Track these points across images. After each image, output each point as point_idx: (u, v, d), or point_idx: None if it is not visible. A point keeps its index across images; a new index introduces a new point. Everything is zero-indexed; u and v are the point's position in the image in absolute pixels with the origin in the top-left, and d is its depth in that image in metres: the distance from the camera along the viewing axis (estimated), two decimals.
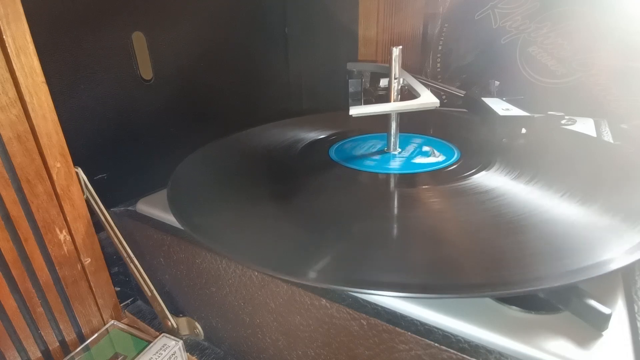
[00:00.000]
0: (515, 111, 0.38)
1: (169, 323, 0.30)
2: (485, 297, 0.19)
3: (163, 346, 0.27)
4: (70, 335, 0.30)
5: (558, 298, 0.18)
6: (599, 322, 0.17)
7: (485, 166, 0.30)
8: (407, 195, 0.28)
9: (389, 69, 0.33)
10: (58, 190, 0.27)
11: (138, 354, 0.27)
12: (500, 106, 0.39)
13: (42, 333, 0.28)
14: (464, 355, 0.17)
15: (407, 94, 0.33)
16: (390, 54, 0.32)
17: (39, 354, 0.28)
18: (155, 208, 0.31)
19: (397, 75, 0.33)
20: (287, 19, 0.62)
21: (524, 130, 0.37)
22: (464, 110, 0.48)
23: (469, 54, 0.59)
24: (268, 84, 0.63)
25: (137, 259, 0.30)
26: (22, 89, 0.24)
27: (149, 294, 0.30)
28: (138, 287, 0.31)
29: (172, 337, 0.28)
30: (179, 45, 0.47)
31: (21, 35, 0.24)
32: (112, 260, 0.34)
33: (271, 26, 0.61)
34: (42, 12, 0.35)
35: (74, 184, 0.28)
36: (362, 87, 0.55)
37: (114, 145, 0.43)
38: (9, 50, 0.23)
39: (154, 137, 0.47)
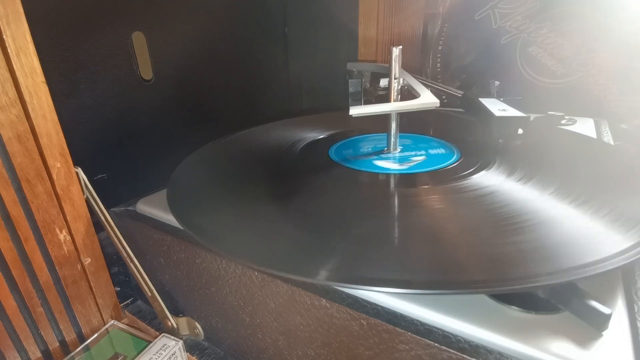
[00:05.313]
0: (511, 112, 0.38)
1: (169, 323, 0.30)
2: (485, 295, 0.19)
3: (163, 346, 0.27)
4: (70, 335, 0.30)
5: (558, 298, 0.18)
6: (599, 322, 0.17)
7: (484, 166, 0.30)
8: (407, 194, 0.28)
9: (389, 69, 0.33)
10: (58, 190, 0.27)
11: (138, 354, 0.27)
12: (497, 107, 0.39)
13: (42, 333, 0.28)
14: (464, 355, 0.17)
15: (407, 94, 0.33)
16: (390, 54, 0.32)
17: (39, 354, 0.28)
18: (155, 208, 0.31)
19: (397, 75, 0.33)
20: (287, 19, 0.62)
21: (520, 131, 0.37)
22: (462, 110, 0.48)
23: (469, 54, 0.59)
24: (268, 84, 0.63)
25: (137, 259, 0.30)
26: (22, 89, 0.24)
27: (149, 294, 0.30)
28: (138, 287, 0.31)
29: (172, 337, 0.28)
30: (179, 45, 0.47)
31: (21, 35, 0.24)
32: (112, 260, 0.34)
33: (271, 26, 0.61)
34: (42, 12, 0.35)
35: (74, 184, 0.28)
36: (362, 87, 0.55)
37: (114, 145, 0.43)
38: (9, 50, 0.23)
39: (154, 137, 0.47)
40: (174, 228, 0.28)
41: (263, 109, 0.62)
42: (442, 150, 0.35)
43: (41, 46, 0.25)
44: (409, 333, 0.18)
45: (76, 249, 0.29)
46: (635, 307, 0.19)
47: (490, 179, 0.28)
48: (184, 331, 0.31)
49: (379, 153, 0.35)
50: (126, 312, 0.35)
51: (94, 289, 0.31)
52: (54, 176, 0.27)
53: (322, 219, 0.25)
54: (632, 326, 0.18)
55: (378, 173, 0.31)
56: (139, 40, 0.43)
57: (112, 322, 0.32)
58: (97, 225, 0.30)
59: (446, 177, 0.29)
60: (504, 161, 0.31)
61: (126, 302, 0.36)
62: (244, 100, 0.59)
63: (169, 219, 0.29)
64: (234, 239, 0.24)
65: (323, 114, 0.52)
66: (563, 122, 0.47)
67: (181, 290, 0.30)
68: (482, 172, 0.30)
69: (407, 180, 0.30)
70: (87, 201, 0.29)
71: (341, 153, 0.35)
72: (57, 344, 0.29)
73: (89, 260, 0.30)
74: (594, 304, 0.17)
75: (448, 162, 0.32)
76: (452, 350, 0.17)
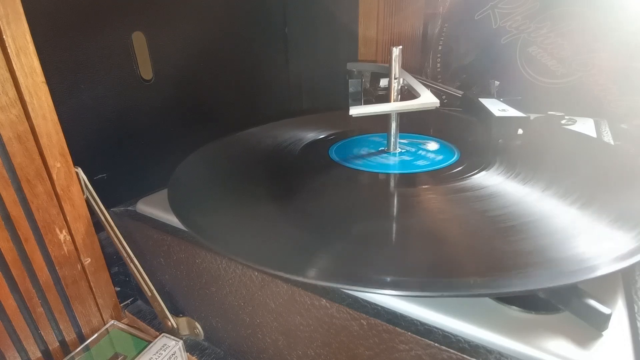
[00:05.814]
0: (511, 112, 0.38)
1: (169, 323, 0.30)
2: (485, 297, 0.19)
3: (163, 346, 0.27)
4: (70, 335, 0.30)
5: (558, 298, 0.18)
6: (599, 322, 0.17)
7: (484, 166, 0.30)
8: (407, 194, 0.28)
9: (389, 69, 0.33)
10: (58, 190, 0.27)
11: (138, 354, 0.27)
12: (496, 107, 0.39)
13: (42, 333, 0.28)
14: (464, 355, 0.17)
15: (407, 94, 0.33)
16: (390, 54, 0.32)
17: (39, 354, 0.28)
18: (155, 208, 0.31)
19: (397, 75, 0.33)
20: (287, 19, 0.62)
21: (520, 131, 0.37)
22: (461, 110, 0.48)
23: (469, 54, 0.59)
24: (268, 84, 0.63)
25: (137, 259, 0.30)
26: (22, 89, 0.24)
27: (149, 294, 0.30)
28: (138, 287, 0.31)
29: (172, 337, 0.28)
30: (179, 45, 0.47)
31: (21, 35, 0.24)
32: (112, 260, 0.34)
33: (271, 26, 0.61)
34: (42, 12, 0.35)
35: (74, 184, 0.28)
36: (362, 87, 0.55)
37: (114, 145, 0.43)
38: (9, 50, 0.23)
39: (154, 137, 0.47)
40: (174, 228, 0.28)
41: (263, 109, 0.62)
42: (442, 150, 0.35)
43: (41, 46, 0.25)
44: (409, 333, 0.18)
45: (76, 249, 0.29)
46: (635, 307, 0.19)
47: (490, 179, 0.28)
48: (184, 331, 0.31)
49: (379, 153, 0.35)
50: (126, 312, 0.35)
51: (94, 289, 0.31)
52: (54, 176, 0.27)
53: (322, 219, 0.25)
54: (632, 326, 0.18)
55: (378, 173, 0.31)
56: (139, 40, 0.43)
57: (112, 322, 0.32)
58: (97, 225, 0.30)
59: (446, 177, 0.29)
60: (504, 161, 0.31)
61: (126, 302, 0.36)
62: (244, 100, 0.59)
63: (169, 219, 0.29)
64: (234, 239, 0.24)
65: (323, 114, 0.52)
66: (563, 122, 0.47)
67: (181, 290, 0.30)
68: (482, 173, 0.30)
69: (407, 180, 0.30)
70: (87, 201, 0.29)
71: (341, 153, 0.35)
72: (57, 344, 0.29)
73: (89, 260, 0.30)
74: (594, 304, 0.17)
75: (448, 162, 0.32)
76: (452, 350, 0.17)
